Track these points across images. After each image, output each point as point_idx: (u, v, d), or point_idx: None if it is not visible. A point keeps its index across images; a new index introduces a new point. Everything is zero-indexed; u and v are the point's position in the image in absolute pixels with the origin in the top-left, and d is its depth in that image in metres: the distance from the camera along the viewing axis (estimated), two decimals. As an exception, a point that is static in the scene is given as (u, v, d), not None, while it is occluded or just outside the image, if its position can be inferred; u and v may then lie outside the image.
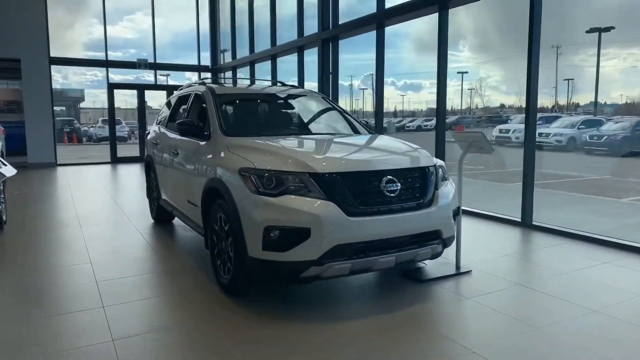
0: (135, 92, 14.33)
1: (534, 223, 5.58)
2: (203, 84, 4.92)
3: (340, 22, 8.97)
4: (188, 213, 4.39)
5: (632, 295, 3.44)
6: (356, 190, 3.09)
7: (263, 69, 12.79)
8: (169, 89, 14.57)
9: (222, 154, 3.61)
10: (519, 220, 5.67)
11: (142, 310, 3.23)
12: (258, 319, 3.07)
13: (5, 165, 2.60)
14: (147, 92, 14.60)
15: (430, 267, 3.99)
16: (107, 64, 13.82)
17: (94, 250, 4.66)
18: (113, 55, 14.06)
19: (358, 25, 8.23)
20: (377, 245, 3.13)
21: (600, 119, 24.73)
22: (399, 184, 3.22)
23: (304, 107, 4.88)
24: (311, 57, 10.45)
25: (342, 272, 3.10)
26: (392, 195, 3.18)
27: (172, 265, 4.23)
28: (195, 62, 15.31)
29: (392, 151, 3.51)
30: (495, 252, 4.59)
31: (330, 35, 9.06)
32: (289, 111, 4.84)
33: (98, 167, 13.09)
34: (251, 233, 3.06)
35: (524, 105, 5.58)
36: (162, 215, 5.78)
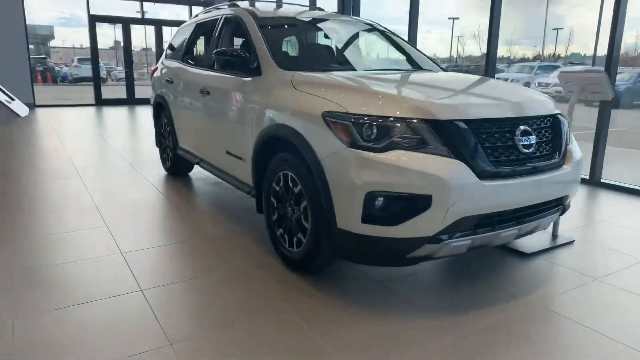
0: (113, 28, 12.89)
1: (602, 180, 4.98)
2: (235, 5, 3.95)
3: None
4: (227, 167, 3.57)
5: None
6: (487, 144, 2.32)
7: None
8: (158, 24, 13.17)
9: (287, 94, 2.76)
10: (587, 177, 5.03)
11: (191, 296, 2.48)
12: (349, 308, 2.37)
13: (14, 99, 1.80)
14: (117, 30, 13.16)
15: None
16: (87, -9, 12.26)
17: (106, 209, 3.84)
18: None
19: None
20: (507, 216, 2.41)
21: (599, 69, 24.12)
22: (534, 136, 2.46)
23: (367, 39, 3.97)
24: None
25: (459, 251, 2.38)
26: (527, 150, 2.42)
27: (210, 230, 3.45)
28: (186, -5, 13.78)
29: (512, 94, 2.70)
30: (580, 216, 3.95)
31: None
32: (351, 42, 3.92)
33: (82, 109, 11.90)
34: (344, 200, 2.28)
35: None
36: (178, 166, 4.94)
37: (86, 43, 12.47)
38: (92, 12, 12.31)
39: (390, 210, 2.21)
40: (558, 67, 25.15)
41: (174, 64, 4.71)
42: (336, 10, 8.13)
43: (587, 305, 2.47)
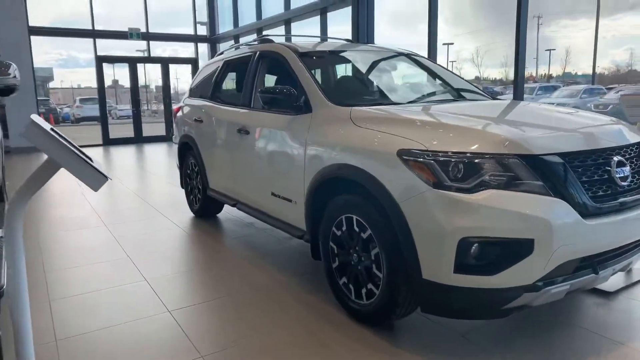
0: (112, 67, 12.87)
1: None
2: (270, 41, 3.82)
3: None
4: (272, 210, 3.34)
5: None
6: (585, 179, 2.11)
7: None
8: (165, 62, 13.19)
9: (347, 131, 2.57)
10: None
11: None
12: (439, 369, 2.11)
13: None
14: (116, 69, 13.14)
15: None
16: (94, 34, 12.32)
17: (140, 260, 3.60)
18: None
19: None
20: (607, 256, 2.19)
21: (600, 88, 24.30)
22: (628, 167, 2.26)
23: (408, 69, 3.81)
24: (334, 24, 9.32)
25: (557, 297, 2.14)
26: (624, 183, 2.21)
27: (258, 280, 3.20)
28: (191, 32, 13.88)
29: (594, 122, 2.51)
30: None
31: (365, -7, 7.91)
32: (393, 74, 3.77)
33: (91, 150, 11.74)
34: (432, 247, 2.06)
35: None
36: (208, 208, 4.71)
37: (84, 83, 12.51)
38: (99, 54, 12.32)
39: (488, 257, 1.98)
40: (559, 87, 25.35)
41: (202, 102, 4.56)
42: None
43: (701, 352, 2.21)
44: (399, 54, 3.82)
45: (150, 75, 35.29)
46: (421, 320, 2.56)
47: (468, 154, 2.04)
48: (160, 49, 13.81)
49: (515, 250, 1.95)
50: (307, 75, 3.08)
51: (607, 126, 2.44)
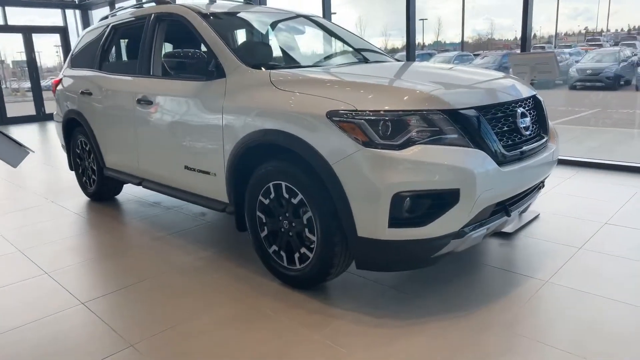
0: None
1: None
2: (165, 2, 3.51)
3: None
4: (187, 185, 3.14)
5: None
6: (497, 130, 2.28)
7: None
8: (27, 31, 11.55)
9: (270, 95, 2.47)
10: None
11: (200, 339, 2.12)
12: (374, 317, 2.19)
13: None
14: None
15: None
16: None
17: (34, 252, 3.18)
18: None
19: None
20: (515, 199, 2.43)
21: (468, 54, 26.61)
22: (529, 118, 2.49)
23: (316, 33, 3.75)
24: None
25: (477, 242, 2.35)
26: (527, 133, 2.44)
27: (180, 260, 3.02)
28: (55, -4, 12.26)
29: (499, 78, 2.70)
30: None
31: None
32: (298, 36, 3.68)
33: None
34: (366, 205, 2.09)
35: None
36: (105, 190, 4.31)
37: None
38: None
39: (419, 210, 2.08)
40: (434, 54, 27.23)
41: (89, 73, 4.08)
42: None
43: (588, 274, 2.58)
44: (298, 16, 3.75)
45: (6, 49, 30.80)
46: (351, 278, 2.63)
47: (398, 112, 2.09)
48: (18, 17, 12.02)
49: (443, 200, 2.07)
50: (217, 38, 2.89)
51: (502, 80, 2.65)
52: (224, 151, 2.71)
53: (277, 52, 3.37)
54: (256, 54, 3.15)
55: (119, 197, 4.51)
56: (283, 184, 2.42)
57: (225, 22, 3.36)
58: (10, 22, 11.52)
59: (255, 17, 3.63)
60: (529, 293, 2.39)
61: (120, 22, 3.89)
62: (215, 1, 3.77)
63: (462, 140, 2.11)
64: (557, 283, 2.48)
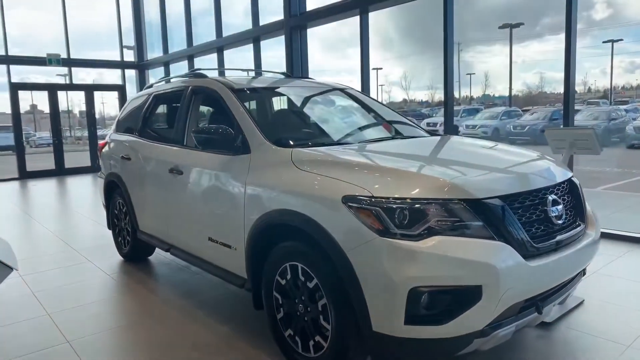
0: (30, 92, 11.99)
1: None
2: (203, 75, 3.66)
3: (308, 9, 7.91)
4: (209, 256, 3.14)
5: None
6: (524, 220, 2.14)
7: (203, 65, 11.32)
8: (89, 89, 12.49)
9: (289, 174, 2.46)
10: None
11: None
12: None
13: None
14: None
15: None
16: (8, 60, 11.42)
17: (61, 318, 3.23)
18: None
19: (338, 11, 7.22)
20: (548, 294, 2.23)
21: (516, 110, 26.18)
22: (562, 205, 2.33)
23: (345, 105, 3.79)
24: (267, 50, 9.31)
25: (505, 339, 2.16)
26: (559, 222, 2.28)
27: (197, 335, 2.96)
28: (117, 57, 13.28)
29: (523, 160, 2.58)
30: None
31: (299, 23, 7.95)
32: (330, 110, 3.73)
33: (4, 185, 10.74)
34: (381, 299, 1.98)
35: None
36: (138, 251, 4.39)
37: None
38: (13, 80, 11.42)
39: (438, 306, 1.94)
40: (481, 109, 26.99)
41: (130, 138, 4.28)
42: (285, 70, 8.10)
43: (637, 381, 2.29)
44: (333, 89, 3.80)
45: (74, 99, 33.37)
46: (371, 368, 2.46)
47: (416, 200, 2.01)
48: (84, 73, 13.04)
49: (464, 297, 1.92)
50: (245, 114, 2.96)
51: (536, 163, 2.52)
52: (244, 226, 2.69)
53: (306, 127, 3.40)
54: (283, 130, 3.19)
55: (152, 257, 4.57)
56: (299, 265, 2.35)
57: (257, 97, 3.46)
58: (81, 74, 12.48)
59: (288, 91, 3.72)
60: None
61: (161, 92, 4.09)
62: (260, 74, 3.89)
63: (485, 231, 1.99)
64: (601, 389, 2.22)
